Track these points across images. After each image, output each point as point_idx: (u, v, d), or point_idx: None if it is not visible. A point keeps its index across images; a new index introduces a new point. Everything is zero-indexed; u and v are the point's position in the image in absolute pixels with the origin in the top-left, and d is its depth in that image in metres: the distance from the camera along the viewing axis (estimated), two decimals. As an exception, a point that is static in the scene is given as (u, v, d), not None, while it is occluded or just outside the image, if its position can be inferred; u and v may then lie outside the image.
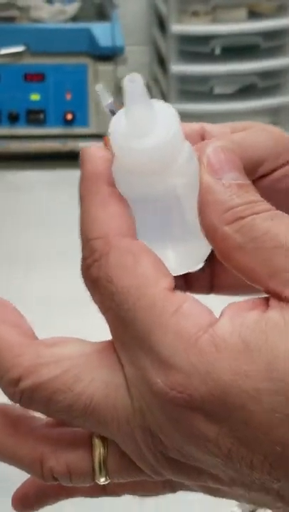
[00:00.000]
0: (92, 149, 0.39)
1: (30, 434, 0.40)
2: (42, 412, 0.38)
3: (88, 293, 0.38)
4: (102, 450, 0.39)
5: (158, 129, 0.37)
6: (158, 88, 2.23)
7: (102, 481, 0.39)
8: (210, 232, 0.38)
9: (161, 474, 0.38)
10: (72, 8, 2.07)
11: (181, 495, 0.42)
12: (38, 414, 0.40)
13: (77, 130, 2.02)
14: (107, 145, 0.39)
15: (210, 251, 0.42)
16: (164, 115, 0.38)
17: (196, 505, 1.12)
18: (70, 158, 1.96)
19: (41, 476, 0.40)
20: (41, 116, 2.01)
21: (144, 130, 0.37)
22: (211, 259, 0.62)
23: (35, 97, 2.02)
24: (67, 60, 2.00)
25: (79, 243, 0.39)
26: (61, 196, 1.81)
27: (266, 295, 0.37)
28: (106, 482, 0.40)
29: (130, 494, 0.42)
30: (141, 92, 0.37)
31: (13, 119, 2.02)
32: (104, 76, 1.98)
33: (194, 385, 0.35)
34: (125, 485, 0.41)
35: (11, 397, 0.38)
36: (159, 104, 0.38)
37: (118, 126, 0.37)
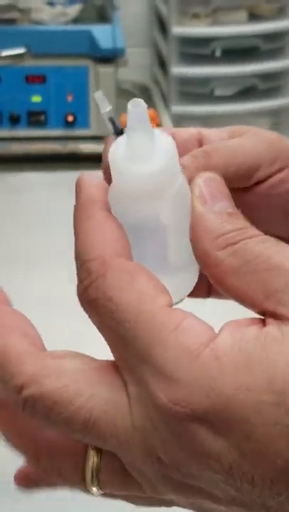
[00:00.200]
0: (87, 177, 0.40)
1: (28, 428, 0.41)
2: (44, 424, 0.39)
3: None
4: (95, 460, 0.40)
5: (156, 156, 0.38)
6: (159, 90, 2.24)
7: (93, 490, 0.40)
8: (203, 258, 0.39)
9: (159, 491, 0.38)
10: (73, 10, 2.07)
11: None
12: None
13: (78, 132, 2.02)
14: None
15: (197, 279, 0.43)
16: (163, 144, 0.39)
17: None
18: (70, 160, 1.97)
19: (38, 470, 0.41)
20: (42, 117, 2.02)
21: (143, 156, 0.38)
22: None
23: (36, 98, 2.02)
24: (68, 61, 2.00)
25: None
26: (62, 197, 1.81)
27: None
28: (98, 493, 0.40)
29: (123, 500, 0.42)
30: (143, 118, 0.38)
31: (14, 120, 2.02)
32: (105, 78, 1.98)
33: (197, 399, 0.36)
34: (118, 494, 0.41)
35: (15, 404, 0.38)
36: (158, 132, 0.39)
37: (118, 151, 0.38)
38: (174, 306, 0.38)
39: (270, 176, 0.56)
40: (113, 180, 0.39)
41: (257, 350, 0.36)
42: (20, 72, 2.01)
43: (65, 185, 1.59)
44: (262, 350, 0.36)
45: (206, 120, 2.09)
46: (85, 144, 1.98)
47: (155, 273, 0.39)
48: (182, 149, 0.58)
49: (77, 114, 2.01)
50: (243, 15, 2.07)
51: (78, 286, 0.38)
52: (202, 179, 0.41)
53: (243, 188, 0.57)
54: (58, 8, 2.08)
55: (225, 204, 0.40)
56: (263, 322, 0.37)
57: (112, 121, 0.48)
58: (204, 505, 0.38)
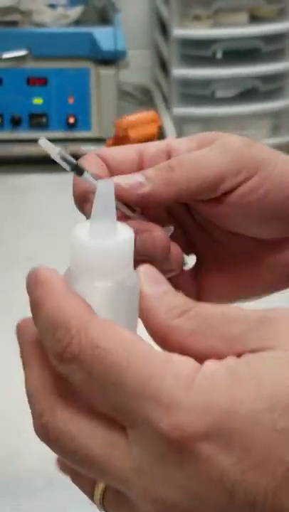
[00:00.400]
0: (42, 267, 0.41)
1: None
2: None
3: None
4: (102, 487, 0.41)
5: (117, 237, 0.41)
6: (160, 92, 2.24)
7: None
8: (161, 329, 0.41)
9: None
10: (74, 13, 2.08)
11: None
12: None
13: (80, 134, 2.02)
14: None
15: None
16: (123, 231, 0.42)
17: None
18: (72, 162, 1.97)
19: None
20: (44, 120, 2.02)
21: (105, 236, 0.41)
22: (197, 273, 0.63)
23: (37, 100, 2.02)
24: (70, 64, 2.01)
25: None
26: (63, 199, 1.81)
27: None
28: None
29: None
30: (109, 205, 0.41)
31: (16, 122, 2.03)
32: (106, 80, 1.99)
33: (196, 420, 0.37)
34: None
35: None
36: (120, 225, 0.42)
37: (81, 230, 0.41)
38: None
39: (237, 186, 0.57)
40: (74, 256, 0.41)
41: (241, 365, 0.38)
42: (21, 74, 2.02)
43: (67, 186, 1.60)
44: (246, 365, 0.38)
45: (207, 122, 2.09)
46: (87, 146, 1.98)
47: None
48: (153, 163, 0.59)
49: (78, 116, 2.01)
50: (244, 17, 2.08)
51: (53, 349, 0.39)
52: (143, 269, 0.43)
53: (214, 198, 0.58)
54: (60, 11, 2.08)
55: (168, 286, 0.43)
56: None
57: (64, 159, 0.52)
58: None
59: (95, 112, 2.01)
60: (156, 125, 1.92)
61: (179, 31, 2.06)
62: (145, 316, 0.41)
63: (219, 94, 2.10)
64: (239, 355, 0.39)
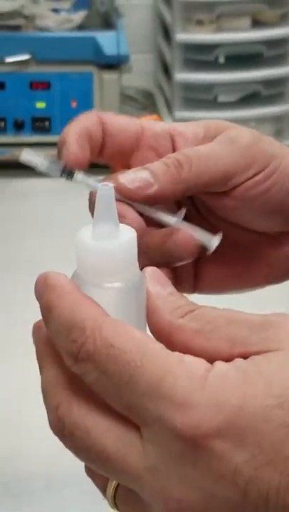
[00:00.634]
0: (50, 273, 0.42)
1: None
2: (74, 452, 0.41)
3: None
4: (114, 484, 0.42)
5: (121, 237, 0.42)
6: (162, 96, 2.25)
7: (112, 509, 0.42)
8: (165, 329, 0.42)
9: None
10: (78, 17, 2.08)
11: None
12: None
13: (83, 138, 2.03)
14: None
15: None
16: (126, 231, 0.42)
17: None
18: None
19: None
20: (46, 124, 2.03)
21: (108, 237, 0.42)
22: (195, 261, 0.64)
23: (40, 105, 2.03)
24: (73, 68, 2.01)
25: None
26: (66, 203, 1.82)
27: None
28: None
29: None
30: (110, 207, 0.42)
31: (19, 126, 2.03)
32: (109, 84, 1.99)
33: (209, 418, 0.37)
34: None
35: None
36: (122, 226, 0.43)
37: (84, 233, 0.42)
38: None
39: (245, 181, 0.57)
40: (78, 260, 0.42)
41: (249, 365, 0.39)
42: (24, 78, 2.03)
43: (70, 190, 1.60)
44: (254, 365, 0.39)
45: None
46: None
47: None
48: (154, 141, 0.59)
49: (81, 120, 2.02)
50: (246, 22, 2.08)
51: (70, 349, 0.39)
52: (148, 271, 0.44)
53: (219, 193, 0.58)
54: (63, 15, 2.09)
55: (173, 288, 0.43)
56: None
57: (53, 168, 0.52)
58: None
59: (98, 116, 2.02)
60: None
61: (181, 36, 2.06)
62: (150, 315, 0.42)
63: (221, 98, 2.10)
64: (242, 356, 0.39)
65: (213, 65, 2.08)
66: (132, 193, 0.54)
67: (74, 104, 2.02)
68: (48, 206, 1.88)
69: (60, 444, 0.41)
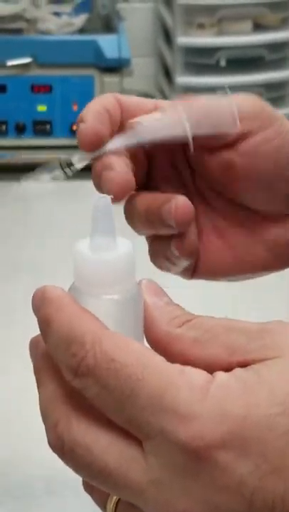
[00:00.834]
0: (48, 288, 0.42)
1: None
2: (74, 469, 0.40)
3: None
4: (115, 499, 0.42)
5: (117, 249, 0.42)
6: (163, 99, 2.25)
7: None
8: (163, 338, 0.42)
9: None
10: (79, 21, 2.08)
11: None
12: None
13: (84, 141, 2.03)
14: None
15: None
16: (123, 243, 0.43)
17: None
18: (76, 169, 1.97)
19: None
20: (48, 127, 2.03)
21: (106, 249, 0.42)
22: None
23: (42, 108, 2.03)
24: (74, 71, 2.01)
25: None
26: (67, 206, 1.82)
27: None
28: None
29: None
30: (108, 218, 0.42)
31: (20, 129, 2.03)
32: (110, 87, 1.99)
33: (212, 429, 0.37)
34: None
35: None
36: (120, 238, 0.43)
37: (82, 246, 0.42)
38: None
39: (251, 134, 0.57)
40: (76, 272, 0.42)
41: (249, 374, 0.39)
42: (26, 81, 2.03)
43: (71, 194, 1.60)
44: (254, 374, 0.39)
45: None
46: (91, 153, 1.99)
47: None
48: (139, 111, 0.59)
49: (82, 124, 2.02)
50: (247, 25, 2.08)
51: (69, 363, 0.39)
52: (144, 282, 0.44)
53: (228, 145, 0.58)
54: (64, 19, 2.09)
55: (169, 298, 0.44)
56: None
57: (56, 177, 0.53)
58: None
59: (99, 120, 2.02)
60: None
61: (182, 39, 2.06)
62: (148, 326, 0.42)
63: (223, 102, 2.10)
64: (241, 364, 0.39)
65: (214, 69, 2.08)
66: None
67: (75, 108, 2.02)
68: (49, 209, 1.88)
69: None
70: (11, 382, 1.21)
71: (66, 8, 2.14)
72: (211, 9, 2.06)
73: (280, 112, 2.16)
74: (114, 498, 0.41)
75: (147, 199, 0.58)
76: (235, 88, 2.29)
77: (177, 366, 0.39)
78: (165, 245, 0.60)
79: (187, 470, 0.37)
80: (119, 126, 0.59)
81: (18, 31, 2.07)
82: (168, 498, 0.38)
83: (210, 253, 0.62)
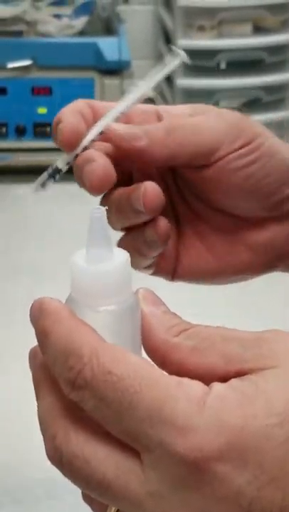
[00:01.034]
0: (45, 300, 0.42)
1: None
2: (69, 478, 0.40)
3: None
4: (114, 510, 0.42)
5: (114, 260, 0.42)
6: (164, 102, 2.25)
7: None
8: (161, 347, 0.41)
9: None
10: (79, 23, 2.09)
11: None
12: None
13: (84, 143, 2.03)
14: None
15: None
16: (119, 254, 0.42)
17: None
18: (76, 171, 1.97)
19: None
20: (48, 129, 2.03)
21: (101, 261, 0.42)
22: (177, 244, 0.64)
23: (42, 110, 2.03)
24: (74, 74, 2.02)
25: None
26: (67, 209, 1.83)
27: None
28: None
29: None
30: (103, 229, 0.42)
31: (20, 132, 2.04)
32: (111, 90, 2.00)
33: (210, 440, 0.37)
34: None
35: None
36: (116, 248, 0.43)
37: (79, 257, 0.42)
38: None
39: (231, 153, 0.58)
40: (73, 284, 0.42)
41: (246, 385, 0.38)
42: (26, 84, 2.03)
43: (71, 196, 1.60)
44: (250, 384, 0.38)
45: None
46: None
47: None
48: (142, 118, 0.60)
49: (82, 126, 2.02)
50: (247, 28, 2.09)
51: (67, 376, 0.39)
52: (143, 289, 0.44)
53: (202, 165, 0.59)
54: (65, 21, 2.09)
55: (166, 307, 0.43)
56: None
57: (44, 184, 0.54)
58: None
59: (99, 122, 2.02)
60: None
61: (183, 42, 2.07)
62: (145, 335, 0.42)
63: (223, 104, 2.10)
64: (237, 373, 0.39)
65: (214, 71, 2.09)
66: (122, 140, 0.56)
67: (75, 110, 2.02)
68: (48, 211, 1.88)
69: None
70: (11, 382, 1.21)
71: (66, 10, 2.14)
72: (211, 12, 2.06)
73: (281, 114, 2.14)
74: (114, 509, 0.41)
75: (120, 191, 0.59)
76: (235, 90, 2.27)
77: (174, 378, 0.39)
78: (137, 236, 0.60)
79: (186, 482, 0.37)
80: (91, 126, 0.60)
81: (19, 34, 2.07)
82: (166, 509, 0.38)
83: (192, 256, 0.63)
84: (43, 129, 2.03)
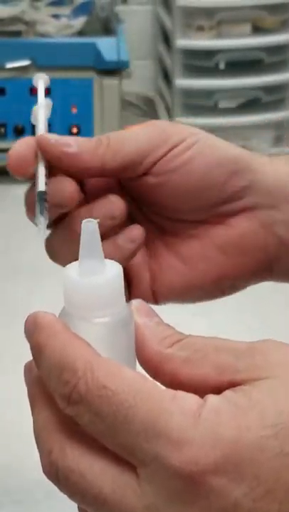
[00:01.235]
0: (39, 314, 0.42)
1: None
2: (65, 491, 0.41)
3: None
4: None
5: (107, 272, 0.42)
6: (163, 102, 2.25)
7: None
8: (154, 358, 0.42)
9: None
10: (78, 23, 2.09)
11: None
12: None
13: (83, 143, 2.03)
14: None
15: None
16: (112, 266, 0.43)
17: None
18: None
19: None
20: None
21: (93, 273, 0.42)
22: (148, 269, 0.64)
23: (41, 110, 2.03)
24: (73, 74, 2.01)
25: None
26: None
27: None
28: None
29: None
30: (95, 242, 0.42)
31: (19, 132, 2.03)
32: (110, 90, 2.00)
33: (206, 454, 0.37)
34: None
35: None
36: (108, 261, 0.43)
37: (71, 270, 0.42)
38: None
39: (162, 157, 0.59)
40: (66, 297, 0.42)
41: (240, 397, 0.39)
42: (25, 84, 2.02)
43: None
44: (244, 396, 0.39)
45: (210, 132, 2.09)
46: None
47: None
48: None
49: (81, 126, 2.02)
50: (246, 28, 2.09)
51: (62, 391, 0.39)
52: (137, 301, 0.44)
53: (142, 174, 0.59)
54: (63, 21, 2.09)
55: (159, 318, 0.44)
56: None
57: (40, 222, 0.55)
58: None
59: (98, 122, 2.02)
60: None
61: (181, 42, 2.06)
62: (139, 346, 0.42)
63: (222, 104, 2.10)
64: (230, 383, 0.39)
65: (213, 71, 2.09)
66: (50, 146, 0.58)
67: (74, 110, 2.02)
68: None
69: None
70: (11, 382, 1.21)
71: (65, 10, 2.14)
72: (210, 12, 2.06)
73: (280, 114, 2.14)
74: None
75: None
76: (234, 91, 2.27)
77: (169, 391, 0.39)
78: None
79: (182, 495, 0.37)
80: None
81: (17, 34, 2.07)
82: None
83: (166, 272, 0.63)
84: (42, 129, 2.03)
